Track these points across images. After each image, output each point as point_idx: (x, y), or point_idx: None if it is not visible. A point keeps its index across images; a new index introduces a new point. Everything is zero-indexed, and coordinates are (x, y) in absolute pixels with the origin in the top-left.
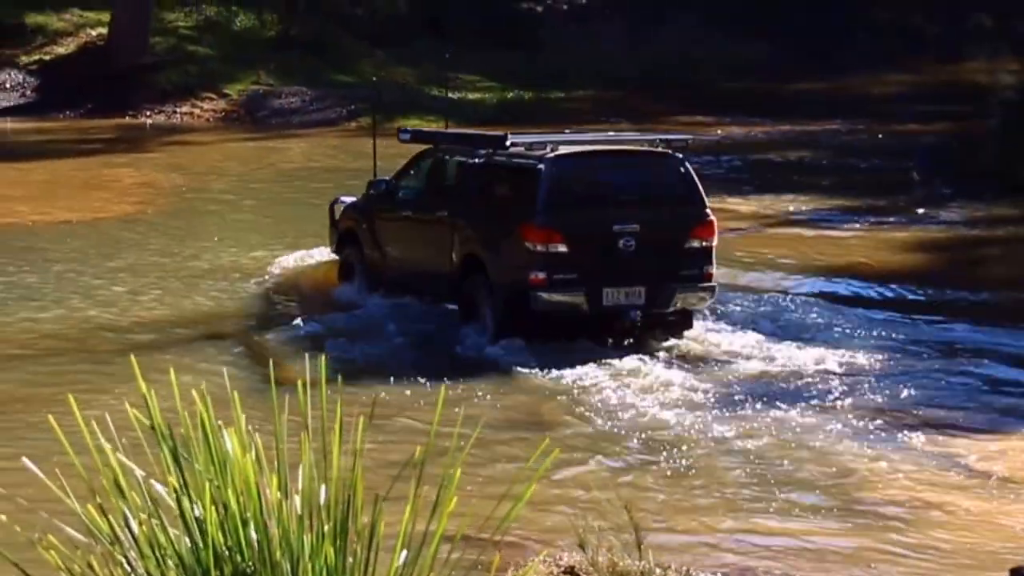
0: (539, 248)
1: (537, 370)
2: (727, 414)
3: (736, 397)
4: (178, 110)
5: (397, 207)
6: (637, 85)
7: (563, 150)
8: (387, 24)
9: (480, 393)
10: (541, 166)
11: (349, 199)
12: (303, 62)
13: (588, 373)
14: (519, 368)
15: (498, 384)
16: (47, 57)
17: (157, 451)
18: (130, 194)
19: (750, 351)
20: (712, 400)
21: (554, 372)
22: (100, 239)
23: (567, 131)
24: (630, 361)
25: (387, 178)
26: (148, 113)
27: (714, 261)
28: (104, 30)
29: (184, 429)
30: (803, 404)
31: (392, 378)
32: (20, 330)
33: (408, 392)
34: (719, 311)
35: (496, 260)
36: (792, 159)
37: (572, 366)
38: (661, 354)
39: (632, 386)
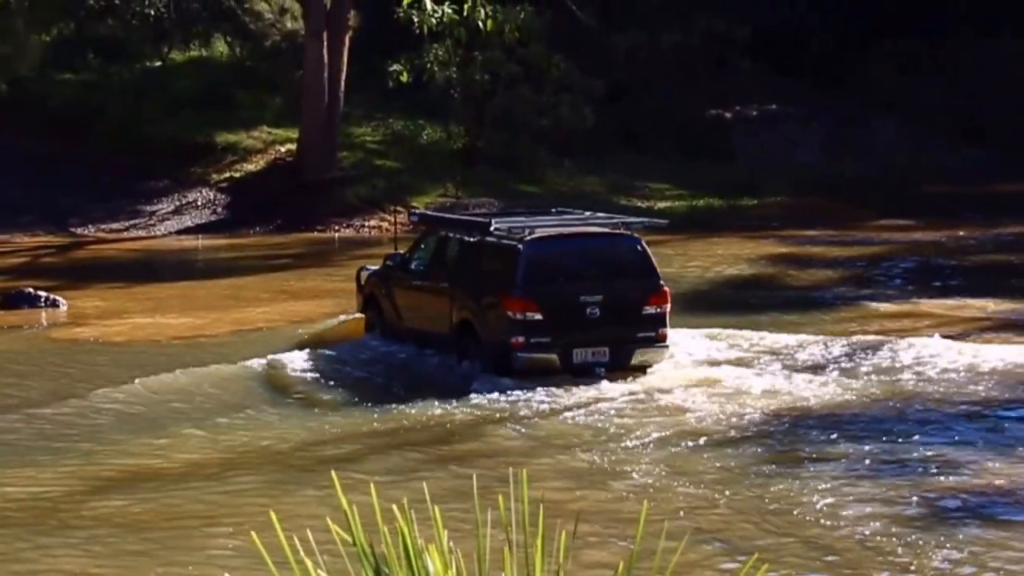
0: (518, 316)
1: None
2: (934, 526)
3: (945, 508)
4: (366, 224)
5: (409, 276)
6: (832, 190)
7: (538, 233)
8: (574, 134)
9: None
10: (520, 247)
11: (373, 268)
12: (490, 173)
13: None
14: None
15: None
16: (237, 174)
17: (359, 568)
18: (328, 303)
19: (959, 458)
20: (913, 507)
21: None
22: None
23: (550, 213)
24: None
25: (402, 252)
26: (336, 227)
27: (667, 324)
28: (293, 146)
29: (385, 546)
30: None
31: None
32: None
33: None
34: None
35: (484, 325)
36: (1003, 261)
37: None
38: (860, 458)
39: (825, 486)
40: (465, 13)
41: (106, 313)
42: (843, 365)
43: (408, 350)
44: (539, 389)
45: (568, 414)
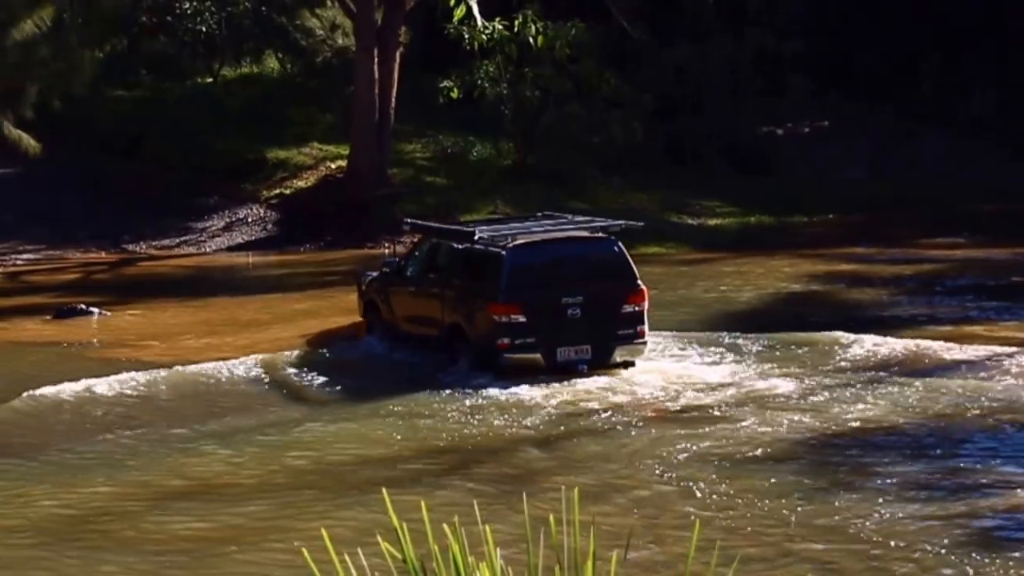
0: (503, 319)
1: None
2: (991, 544)
3: (1003, 527)
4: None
5: (404, 282)
6: (882, 208)
7: (520, 240)
8: (625, 150)
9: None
10: (504, 253)
11: (372, 273)
12: (540, 190)
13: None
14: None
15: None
16: (287, 191)
17: None
18: None
19: (1017, 476)
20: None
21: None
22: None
23: (529, 220)
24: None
25: (397, 258)
26: (387, 244)
27: (646, 321)
28: (343, 163)
29: (436, 566)
30: None
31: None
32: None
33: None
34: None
35: (472, 328)
36: None
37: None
38: (915, 475)
39: (880, 503)
40: (516, 29)
41: (150, 328)
42: (898, 381)
43: (404, 352)
44: (557, 392)
45: (606, 427)
